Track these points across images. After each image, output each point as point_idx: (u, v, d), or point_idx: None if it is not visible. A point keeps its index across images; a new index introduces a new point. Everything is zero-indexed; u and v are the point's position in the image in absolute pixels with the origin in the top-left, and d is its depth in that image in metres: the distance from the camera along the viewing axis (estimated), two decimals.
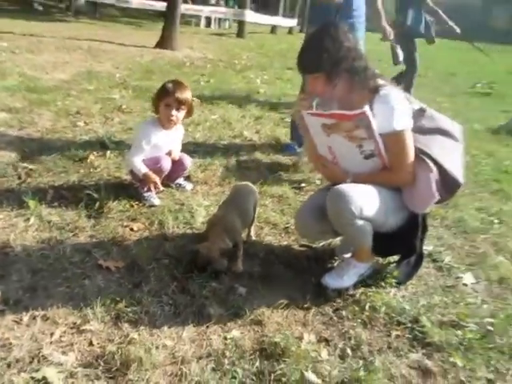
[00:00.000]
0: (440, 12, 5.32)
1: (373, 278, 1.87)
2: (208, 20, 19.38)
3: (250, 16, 16.24)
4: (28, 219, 2.04)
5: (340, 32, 1.69)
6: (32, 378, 1.24)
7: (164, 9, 12.08)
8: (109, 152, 2.92)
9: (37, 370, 1.27)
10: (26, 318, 1.47)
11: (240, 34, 16.01)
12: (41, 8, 19.47)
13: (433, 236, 2.34)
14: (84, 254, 1.85)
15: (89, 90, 4.76)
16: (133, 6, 17.40)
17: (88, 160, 2.76)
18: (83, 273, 1.73)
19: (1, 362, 1.29)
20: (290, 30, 23.61)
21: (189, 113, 2.40)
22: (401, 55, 4.05)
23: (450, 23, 5.41)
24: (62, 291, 1.61)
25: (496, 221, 2.59)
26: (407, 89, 5.52)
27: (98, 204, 2.19)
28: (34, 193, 2.27)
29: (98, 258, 1.82)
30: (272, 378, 1.33)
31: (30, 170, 2.58)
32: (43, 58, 6.30)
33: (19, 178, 2.48)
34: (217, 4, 25.96)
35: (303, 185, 2.84)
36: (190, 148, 3.21)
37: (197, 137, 3.60)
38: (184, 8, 14.63)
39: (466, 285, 1.95)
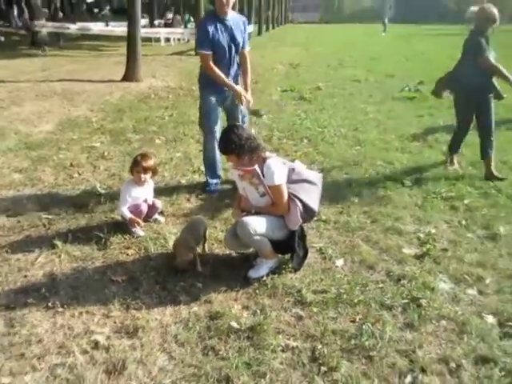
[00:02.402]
0: (500, 67, 4.48)
1: (279, 268, 3.09)
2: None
3: None
4: (60, 256, 3.19)
5: (240, 129, 2.89)
6: (89, 340, 2.41)
7: (123, 34, 13.04)
8: (102, 198, 4.06)
9: (90, 337, 2.44)
10: (76, 313, 2.63)
11: None
12: (2, 39, 20.00)
13: (325, 236, 3.57)
14: (101, 274, 3.01)
15: (74, 139, 5.87)
16: (94, 33, 18.29)
17: (89, 207, 3.90)
18: (103, 285, 2.89)
19: (70, 336, 2.45)
20: (249, 36, 24.74)
21: (154, 174, 3.61)
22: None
23: None
24: (93, 297, 2.77)
25: (371, 221, 3.83)
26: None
27: (103, 240, 3.35)
28: (58, 236, 3.41)
29: (110, 276, 2.98)
30: (214, 327, 2.52)
31: (50, 219, 3.72)
32: (28, 109, 7.38)
33: (44, 226, 3.62)
34: (173, 17, 26.98)
35: None
36: (162, 186, 4.39)
37: (165, 175, 4.76)
38: (143, 32, 15.70)
39: (337, 266, 3.17)
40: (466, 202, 4.16)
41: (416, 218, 3.88)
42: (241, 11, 29.45)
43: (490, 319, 2.62)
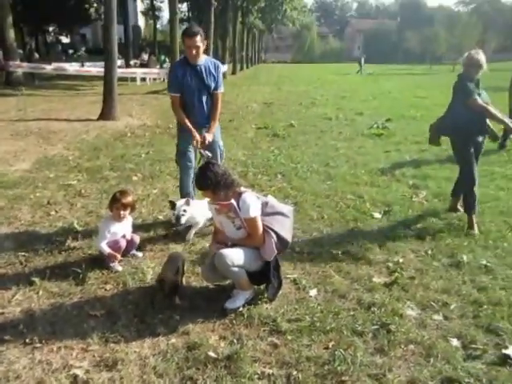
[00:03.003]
0: (490, 109, 4.27)
1: (255, 299, 3.19)
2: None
3: None
4: (38, 292, 3.21)
5: (216, 166, 3.05)
6: (67, 374, 2.44)
7: (98, 74, 13.24)
8: (80, 235, 4.12)
9: (68, 371, 2.46)
10: (55, 348, 2.65)
11: None
12: None
13: (298, 267, 3.70)
14: (79, 308, 3.04)
15: (50, 177, 5.92)
16: (70, 73, 18.48)
17: (66, 244, 3.94)
18: (82, 320, 2.92)
19: (48, 371, 2.47)
20: (224, 75, 25.53)
21: (132, 210, 3.71)
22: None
23: (506, 120, 4.34)
24: (72, 331, 2.80)
25: (342, 252, 3.99)
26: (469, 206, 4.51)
27: (81, 276, 3.39)
28: (36, 273, 3.44)
29: (88, 310, 3.02)
30: (192, 358, 2.59)
31: (27, 256, 3.74)
32: (3, 148, 7.39)
33: (21, 263, 3.63)
34: (149, 58, 27.55)
35: None
36: (139, 222, 4.47)
37: (143, 212, 4.85)
38: (120, 72, 15.99)
39: (311, 296, 3.29)
40: (431, 232, 4.38)
41: (385, 248, 4.06)
42: (215, 51, 30.34)
43: (455, 342, 2.77)
